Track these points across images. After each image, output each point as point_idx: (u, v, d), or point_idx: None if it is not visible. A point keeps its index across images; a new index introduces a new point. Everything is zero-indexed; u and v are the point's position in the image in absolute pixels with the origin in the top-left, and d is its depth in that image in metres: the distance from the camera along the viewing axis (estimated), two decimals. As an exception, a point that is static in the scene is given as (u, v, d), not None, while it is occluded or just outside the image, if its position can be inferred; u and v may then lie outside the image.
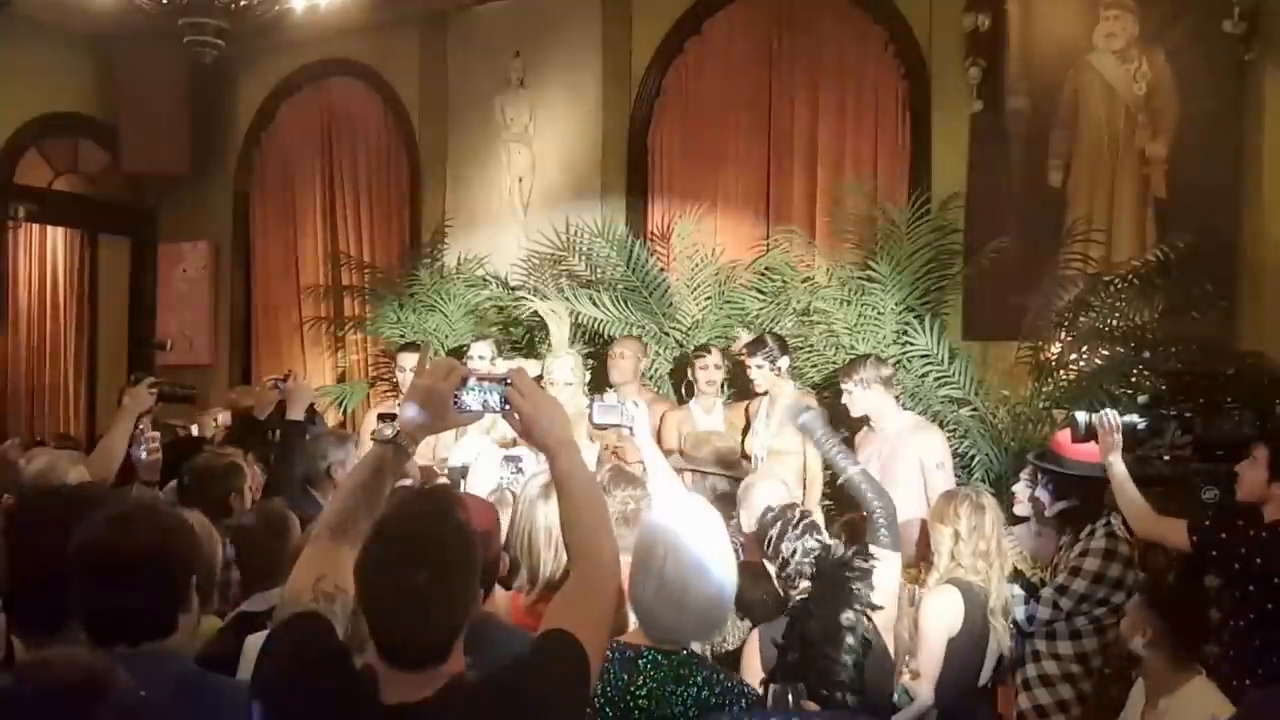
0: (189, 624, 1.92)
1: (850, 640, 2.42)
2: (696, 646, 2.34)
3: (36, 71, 8.05)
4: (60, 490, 2.81)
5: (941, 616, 3.15)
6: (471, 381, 1.82)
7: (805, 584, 2.73)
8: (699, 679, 2.18)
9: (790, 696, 2.19)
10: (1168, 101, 5.06)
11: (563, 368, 5.09)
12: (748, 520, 3.40)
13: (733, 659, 2.87)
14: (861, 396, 4.54)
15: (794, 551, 2.81)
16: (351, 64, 7.89)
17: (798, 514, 3.00)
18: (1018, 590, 3.45)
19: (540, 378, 5.14)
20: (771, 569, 3.01)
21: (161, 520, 1.92)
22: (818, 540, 2.86)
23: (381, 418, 4.71)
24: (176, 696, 1.79)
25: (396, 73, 7.71)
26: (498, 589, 2.64)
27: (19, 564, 2.04)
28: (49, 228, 9.33)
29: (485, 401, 1.82)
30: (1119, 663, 3.19)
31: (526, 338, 6.44)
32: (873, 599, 2.51)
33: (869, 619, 2.47)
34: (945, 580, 3.23)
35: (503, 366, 5.65)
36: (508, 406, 1.82)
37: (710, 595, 2.25)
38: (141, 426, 4.01)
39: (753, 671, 2.69)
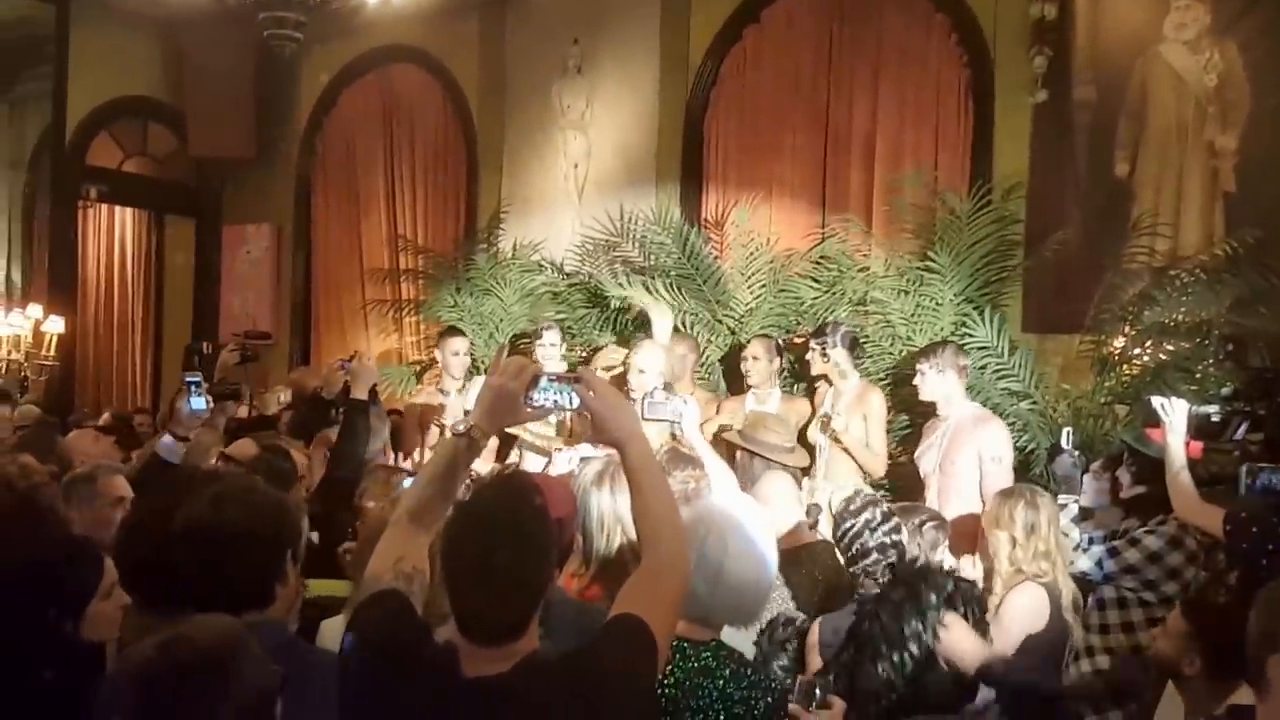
0: (287, 595, 2.02)
1: (913, 649, 2.42)
2: (726, 635, 2.33)
3: (109, 56, 8.30)
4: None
5: (1026, 613, 3.11)
6: (543, 381, 1.86)
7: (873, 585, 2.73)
8: (726, 672, 2.17)
9: (816, 691, 2.22)
10: (1239, 94, 4.95)
11: (653, 358, 5.01)
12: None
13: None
14: (935, 380, 4.51)
15: (869, 551, 2.78)
16: (412, 50, 7.98)
17: (879, 514, 2.97)
18: (1075, 534, 3.44)
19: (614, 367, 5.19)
20: (841, 559, 3.02)
21: (256, 498, 2.04)
22: (894, 540, 2.84)
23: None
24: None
25: (456, 59, 7.80)
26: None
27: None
28: (118, 208, 9.62)
29: (556, 400, 1.86)
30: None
31: (581, 323, 6.49)
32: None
33: (937, 635, 2.44)
34: (1017, 579, 3.20)
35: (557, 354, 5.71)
36: (578, 404, 1.86)
37: (745, 580, 2.25)
38: (192, 379, 4.12)
39: (812, 660, 2.71)
